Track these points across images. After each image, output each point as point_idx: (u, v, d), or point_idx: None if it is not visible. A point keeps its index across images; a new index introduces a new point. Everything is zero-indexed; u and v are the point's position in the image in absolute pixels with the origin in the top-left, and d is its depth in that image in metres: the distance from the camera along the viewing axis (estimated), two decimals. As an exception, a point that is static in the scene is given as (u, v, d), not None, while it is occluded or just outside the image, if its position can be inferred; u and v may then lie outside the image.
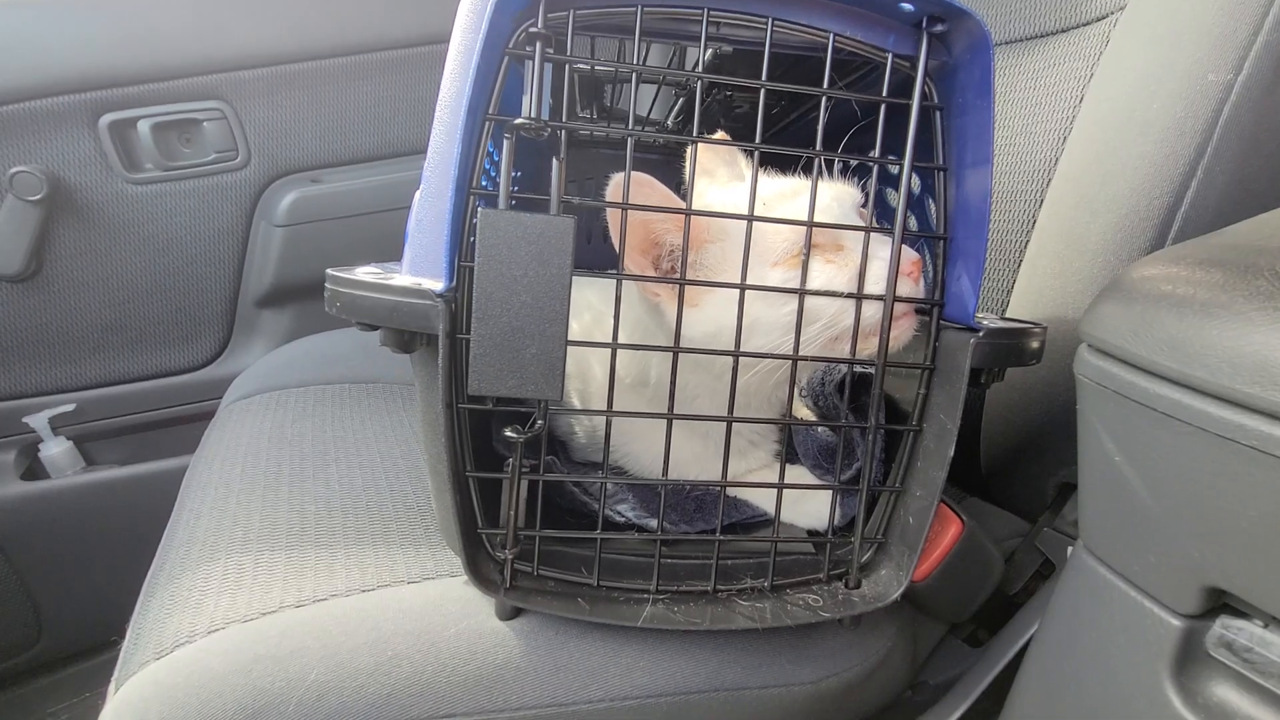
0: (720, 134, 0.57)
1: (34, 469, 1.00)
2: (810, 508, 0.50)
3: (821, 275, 0.43)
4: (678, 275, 0.41)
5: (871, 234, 0.42)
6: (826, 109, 0.40)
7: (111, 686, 0.42)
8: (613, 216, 0.40)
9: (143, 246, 1.00)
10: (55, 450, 0.99)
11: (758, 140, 0.40)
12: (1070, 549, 0.53)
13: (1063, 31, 0.60)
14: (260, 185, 1.04)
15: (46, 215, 0.94)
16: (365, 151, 1.08)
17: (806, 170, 0.45)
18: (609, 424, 0.42)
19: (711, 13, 0.38)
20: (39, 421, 0.98)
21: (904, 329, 0.44)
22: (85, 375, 1.02)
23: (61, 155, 0.94)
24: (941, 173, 0.43)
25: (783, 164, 0.48)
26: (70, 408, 1.00)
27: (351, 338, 0.90)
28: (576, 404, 0.54)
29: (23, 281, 0.95)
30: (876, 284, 0.42)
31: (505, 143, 0.38)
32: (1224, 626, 0.31)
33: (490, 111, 0.38)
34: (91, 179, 0.96)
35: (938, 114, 0.43)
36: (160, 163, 0.99)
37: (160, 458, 1.04)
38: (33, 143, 0.93)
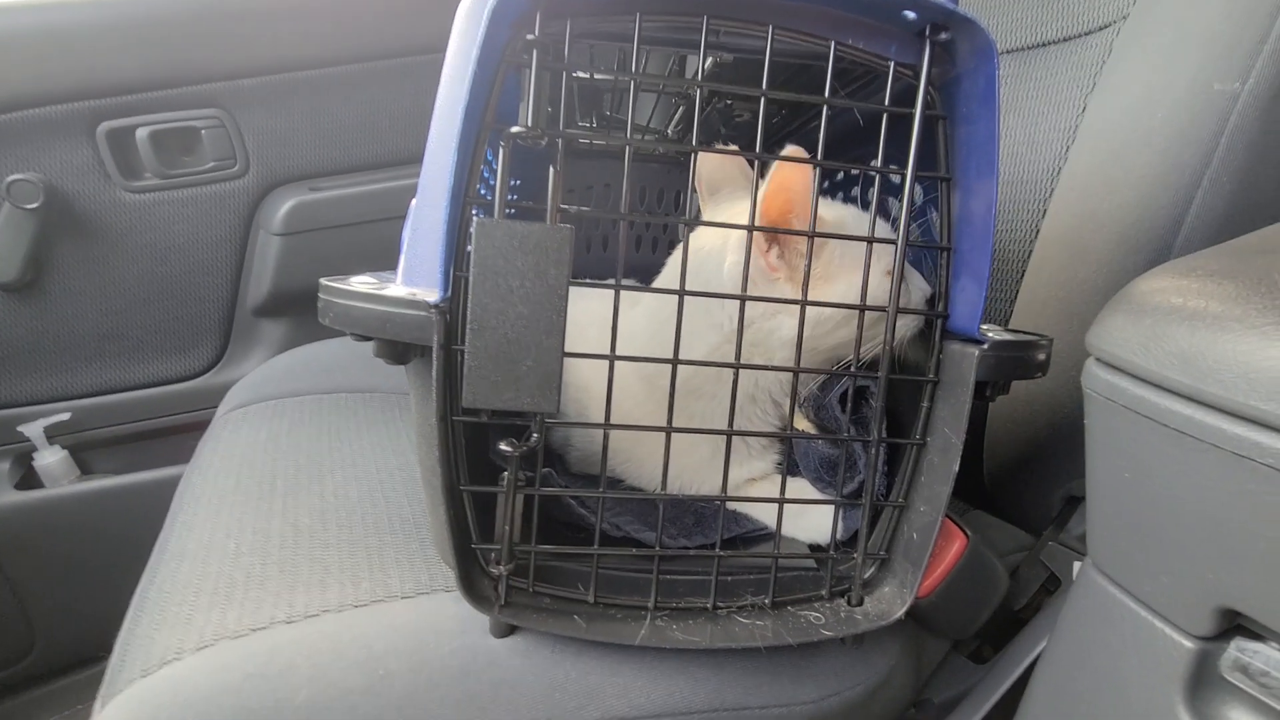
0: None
1: (29, 478, 0.99)
2: (812, 521, 0.49)
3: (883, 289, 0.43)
4: (795, 264, 0.46)
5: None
6: (827, 118, 0.40)
7: (97, 704, 0.41)
8: (777, 180, 0.42)
9: (140, 255, 1.00)
10: (50, 459, 0.98)
11: (759, 149, 0.39)
12: (1076, 564, 0.52)
13: (1065, 40, 0.60)
14: (258, 194, 1.04)
15: (43, 223, 0.93)
16: (363, 160, 1.08)
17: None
18: (606, 437, 0.41)
19: (711, 20, 0.38)
20: (34, 430, 0.97)
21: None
22: (81, 384, 1.01)
23: (59, 163, 0.94)
24: (945, 183, 0.43)
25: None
26: (65, 416, 0.99)
27: (349, 347, 0.89)
28: (573, 416, 0.53)
29: (19, 290, 0.95)
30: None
31: (501, 151, 0.37)
32: (1239, 649, 0.30)
33: (486, 120, 0.38)
34: (89, 187, 0.96)
35: (941, 123, 0.42)
36: (158, 171, 0.98)
37: (157, 467, 1.03)
38: (30, 151, 0.92)
